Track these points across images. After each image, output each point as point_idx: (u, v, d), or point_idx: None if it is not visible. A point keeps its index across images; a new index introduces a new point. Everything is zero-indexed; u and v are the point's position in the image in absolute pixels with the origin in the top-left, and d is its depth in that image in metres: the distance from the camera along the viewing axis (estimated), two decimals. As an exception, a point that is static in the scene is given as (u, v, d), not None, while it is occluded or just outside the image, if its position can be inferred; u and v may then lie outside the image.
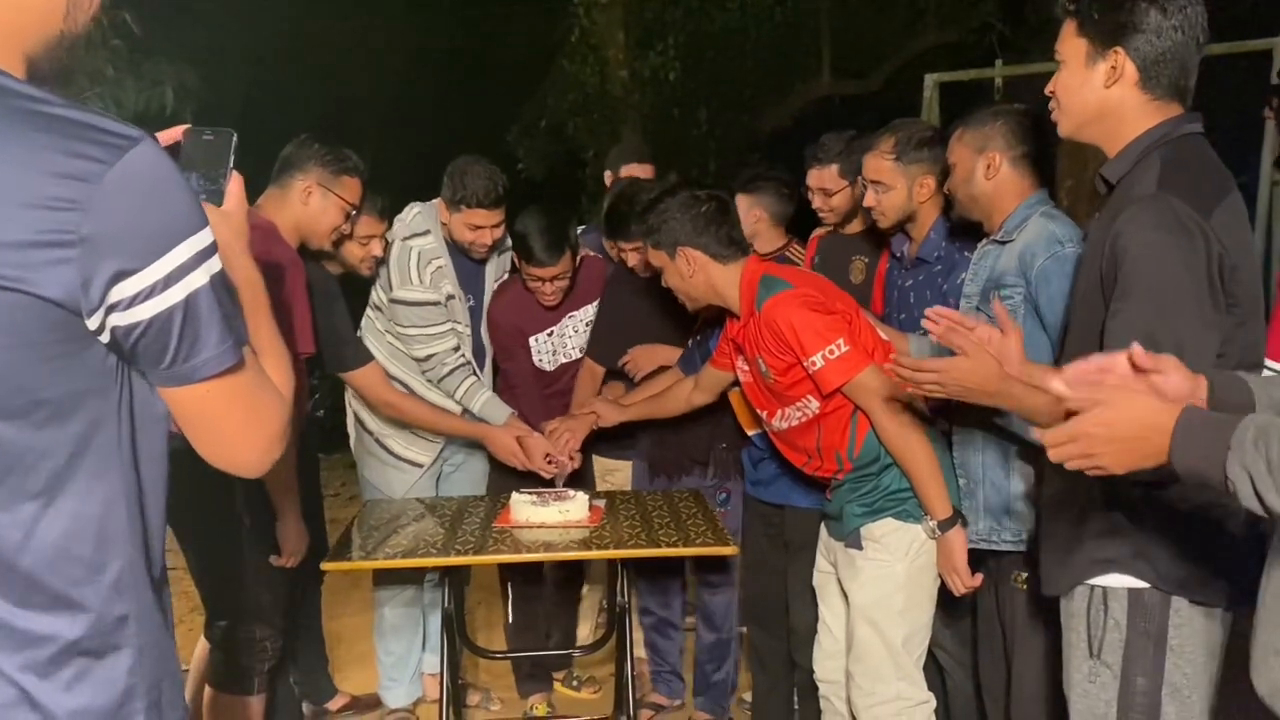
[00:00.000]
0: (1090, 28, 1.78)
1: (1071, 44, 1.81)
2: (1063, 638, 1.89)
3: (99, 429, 1.07)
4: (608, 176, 3.85)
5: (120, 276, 1.01)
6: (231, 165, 1.37)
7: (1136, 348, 1.41)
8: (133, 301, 1.02)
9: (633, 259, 3.12)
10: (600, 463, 3.45)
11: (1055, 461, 1.40)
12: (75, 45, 1.16)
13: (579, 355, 3.33)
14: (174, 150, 1.32)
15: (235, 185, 1.34)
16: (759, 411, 2.63)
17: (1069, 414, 1.41)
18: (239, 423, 1.13)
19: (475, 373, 3.22)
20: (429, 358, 3.16)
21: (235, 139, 1.37)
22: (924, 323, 1.97)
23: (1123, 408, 1.36)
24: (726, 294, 2.57)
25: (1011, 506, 2.34)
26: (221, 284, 1.09)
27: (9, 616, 1.04)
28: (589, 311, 3.32)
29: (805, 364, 2.39)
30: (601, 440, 3.24)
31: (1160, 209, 1.66)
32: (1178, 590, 1.73)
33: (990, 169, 2.34)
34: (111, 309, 1.02)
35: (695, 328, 3.08)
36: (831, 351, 2.35)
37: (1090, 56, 1.78)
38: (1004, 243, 2.34)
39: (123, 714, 1.10)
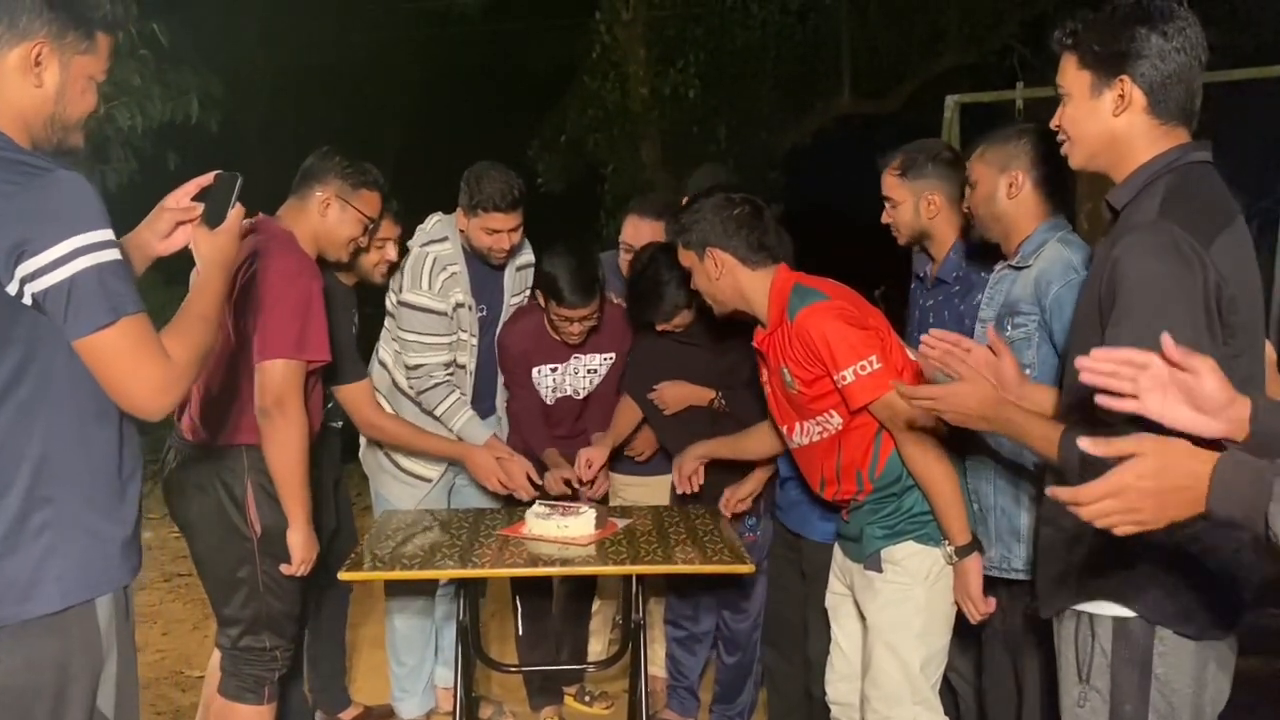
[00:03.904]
0: (1092, 59, 1.77)
1: (1074, 77, 1.80)
2: (1056, 661, 1.89)
3: (32, 362, 1.62)
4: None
5: (21, 257, 1.54)
6: (234, 200, 1.86)
7: (1167, 339, 1.36)
8: (35, 275, 1.56)
9: (662, 326, 3.06)
10: (615, 478, 3.44)
11: (1088, 520, 1.35)
12: (69, 128, 1.70)
13: (573, 394, 3.29)
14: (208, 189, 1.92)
15: (232, 215, 1.87)
16: (779, 426, 2.60)
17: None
18: (121, 371, 1.63)
19: (460, 392, 3.18)
20: (418, 367, 3.13)
21: (240, 181, 1.88)
22: (921, 348, 1.97)
23: (1163, 456, 1.32)
24: (754, 300, 2.52)
25: (1022, 535, 2.31)
26: (110, 270, 1.59)
27: None
28: (596, 360, 3.28)
29: (835, 378, 2.35)
30: (621, 459, 3.22)
31: (1159, 236, 1.65)
32: (1162, 622, 1.73)
33: (1013, 188, 2.31)
34: (25, 280, 1.56)
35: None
36: (863, 367, 2.32)
37: (1095, 87, 1.77)
38: (1020, 268, 2.32)
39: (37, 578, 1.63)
